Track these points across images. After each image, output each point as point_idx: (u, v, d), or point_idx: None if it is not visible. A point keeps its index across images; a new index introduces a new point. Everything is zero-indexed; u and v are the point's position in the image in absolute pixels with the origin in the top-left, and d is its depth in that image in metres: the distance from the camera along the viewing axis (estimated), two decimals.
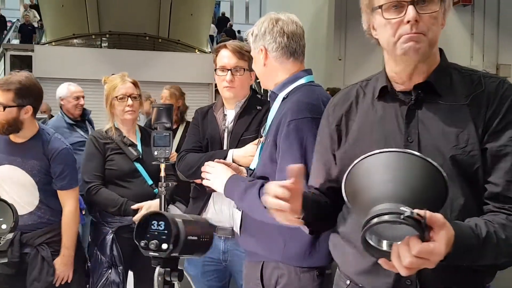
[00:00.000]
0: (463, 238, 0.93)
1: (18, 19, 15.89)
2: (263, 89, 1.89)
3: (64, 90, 3.80)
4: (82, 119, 3.81)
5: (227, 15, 20.72)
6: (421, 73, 1.13)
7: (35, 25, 14.95)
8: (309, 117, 1.46)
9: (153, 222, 1.19)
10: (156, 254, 1.19)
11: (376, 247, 0.86)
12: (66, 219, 2.28)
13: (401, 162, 0.88)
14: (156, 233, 1.19)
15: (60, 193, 2.28)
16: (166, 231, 1.19)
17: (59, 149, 2.25)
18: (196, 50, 15.25)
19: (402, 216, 0.80)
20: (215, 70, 2.03)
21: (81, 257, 2.41)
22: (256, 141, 1.88)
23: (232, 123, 2.03)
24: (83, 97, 3.83)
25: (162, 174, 2.06)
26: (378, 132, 1.15)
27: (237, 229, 1.72)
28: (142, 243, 1.18)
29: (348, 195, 0.94)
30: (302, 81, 1.64)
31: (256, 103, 2.06)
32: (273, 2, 16.12)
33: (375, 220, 0.81)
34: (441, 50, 1.18)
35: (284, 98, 1.62)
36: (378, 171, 0.89)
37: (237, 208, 1.71)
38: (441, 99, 1.11)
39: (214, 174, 1.71)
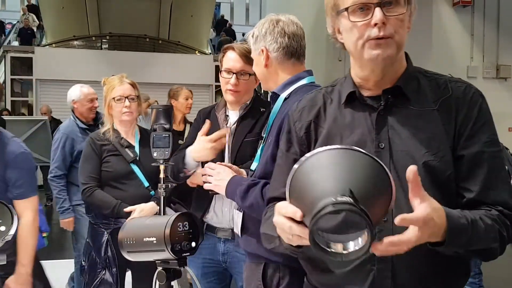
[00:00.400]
0: (454, 218, 0.92)
1: (18, 21, 15.88)
2: (263, 90, 1.87)
3: (77, 92, 3.51)
4: (94, 123, 3.54)
5: (227, 16, 20.73)
6: (388, 78, 1.10)
7: (35, 29, 14.88)
8: None
9: (178, 224, 1.21)
10: (188, 253, 1.21)
11: (325, 248, 0.82)
12: (23, 232, 1.97)
13: (344, 159, 0.86)
14: (183, 234, 1.21)
15: (16, 203, 2.02)
16: (191, 230, 1.22)
17: (16, 153, 2.04)
18: (197, 52, 15.28)
19: (338, 206, 0.77)
20: (220, 71, 2.00)
21: (41, 277, 2.17)
22: (215, 135, 1.85)
23: (235, 125, 2.01)
24: (96, 99, 3.53)
25: (162, 175, 2.05)
26: (347, 139, 1.11)
27: (238, 231, 1.72)
28: (177, 248, 1.20)
29: (292, 199, 0.89)
30: (303, 81, 1.64)
31: (259, 105, 2.03)
32: (273, 3, 16.13)
33: (321, 213, 0.78)
34: (406, 54, 1.15)
35: (285, 99, 1.61)
36: (321, 169, 0.86)
37: (238, 209, 1.71)
38: (411, 104, 1.09)
39: (216, 176, 1.70)
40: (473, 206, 1.03)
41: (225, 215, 1.99)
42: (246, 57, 1.92)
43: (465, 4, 13.56)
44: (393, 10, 1.04)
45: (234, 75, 1.94)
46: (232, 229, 1.88)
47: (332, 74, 11.11)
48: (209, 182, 1.72)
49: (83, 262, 2.49)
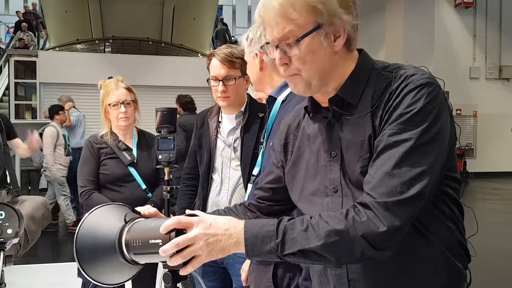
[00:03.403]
0: (255, 226, 1.02)
1: (13, 37, 15.53)
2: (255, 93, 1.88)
3: None
4: None
5: (230, 19, 20.82)
6: (329, 90, 1.09)
7: (31, 48, 14.64)
8: None
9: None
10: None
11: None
12: None
13: None
14: None
15: None
16: None
17: None
18: (199, 54, 15.30)
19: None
20: (207, 80, 2.01)
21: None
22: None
23: (239, 139, 2.00)
24: None
25: (166, 177, 2.06)
26: (310, 149, 1.15)
27: None
28: None
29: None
30: None
31: (256, 110, 2.03)
32: None
33: None
34: (362, 52, 1.11)
35: (283, 101, 1.62)
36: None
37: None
38: (355, 109, 1.06)
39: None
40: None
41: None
42: (230, 62, 1.94)
43: (467, 5, 13.55)
44: (291, 51, 1.03)
45: (221, 82, 1.96)
46: None
47: None
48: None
49: None
